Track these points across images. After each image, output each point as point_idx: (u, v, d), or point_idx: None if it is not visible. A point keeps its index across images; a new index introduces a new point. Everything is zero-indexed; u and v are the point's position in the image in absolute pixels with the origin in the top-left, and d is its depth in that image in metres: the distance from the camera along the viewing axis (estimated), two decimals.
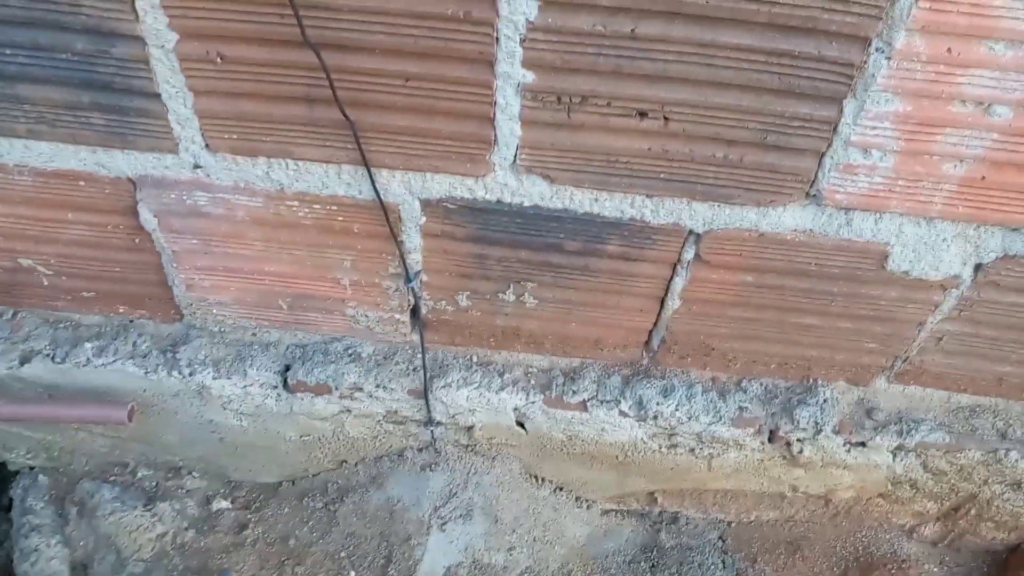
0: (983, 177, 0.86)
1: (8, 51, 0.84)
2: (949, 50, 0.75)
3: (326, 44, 0.79)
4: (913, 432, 1.16)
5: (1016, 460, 1.17)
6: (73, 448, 1.33)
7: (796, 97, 0.80)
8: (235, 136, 0.90)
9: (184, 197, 0.98)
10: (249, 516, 1.34)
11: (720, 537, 1.37)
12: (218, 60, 0.82)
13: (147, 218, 1.01)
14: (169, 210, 1.00)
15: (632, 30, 0.76)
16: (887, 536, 1.34)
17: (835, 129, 0.83)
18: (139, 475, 1.36)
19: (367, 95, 0.84)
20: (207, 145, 0.92)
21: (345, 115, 0.85)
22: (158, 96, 0.87)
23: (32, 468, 1.37)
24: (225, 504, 1.35)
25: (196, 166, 0.94)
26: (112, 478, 1.34)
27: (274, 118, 0.88)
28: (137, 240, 1.06)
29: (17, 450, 1.34)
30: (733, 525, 1.38)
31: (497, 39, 0.78)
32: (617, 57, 0.78)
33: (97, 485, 1.31)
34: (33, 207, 1.02)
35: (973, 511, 1.29)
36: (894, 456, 1.19)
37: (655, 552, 1.36)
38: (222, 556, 1.27)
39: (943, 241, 0.94)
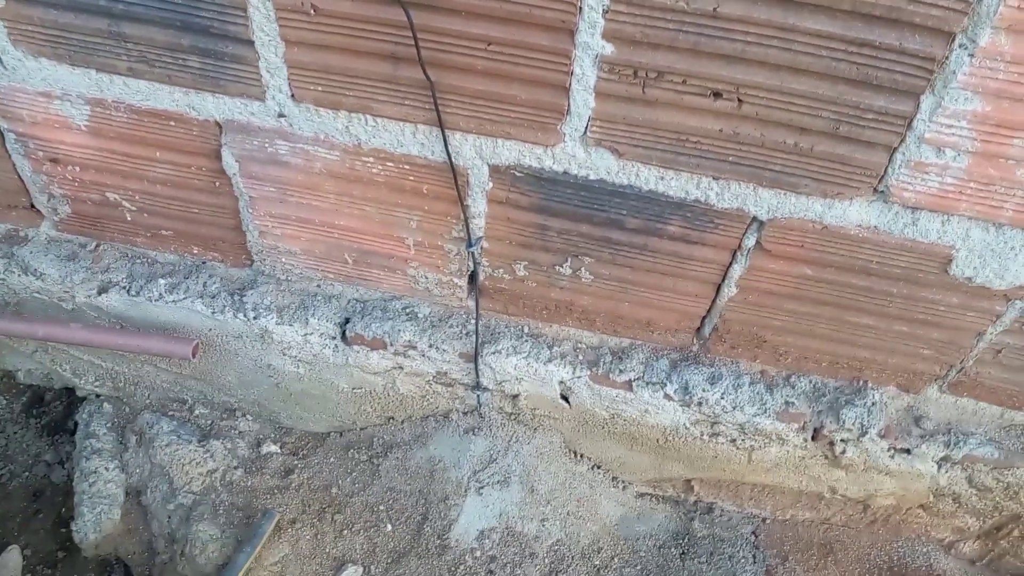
0: None
1: None
2: None
3: (414, 3, 0.82)
4: (961, 444, 1.15)
5: None
6: (138, 380, 1.40)
7: (873, 89, 0.81)
8: (320, 88, 0.94)
9: (266, 145, 1.03)
10: (296, 462, 1.39)
11: (753, 532, 1.38)
12: (311, 11, 0.86)
13: (229, 162, 1.06)
14: (251, 156, 1.05)
15: (715, 8, 0.77)
16: (924, 549, 1.33)
17: (909, 125, 0.83)
18: (196, 412, 1.42)
19: (449, 56, 0.87)
20: (292, 95, 0.96)
21: (427, 75, 0.88)
22: (252, 43, 0.91)
23: (98, 396, 1.44)
24: (274, 448, 1.40)
25: (280, 115, 0.99)
26: (171, 413, 1.40)
27: (358, 73, 0.91)
28: (218, 183, 1.11)
29: (86, 377, 1.41)
30: (767, 521, 1.38)
31: (580, 8, 0.80)
32: (697, 35, 0.79)
33: (157, 417, 1.37)
34: (125, 143, 1.08)
35: (1016, 532, 1.27)
36: (939, 467, 1.18)
37: (686, 540, 1.37)
38: (267, 497, 1.32)
39: (1011, 249, 0.93)
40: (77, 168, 1.13)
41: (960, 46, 0.76)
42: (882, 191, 0.90)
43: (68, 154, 1.11)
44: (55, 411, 1.52)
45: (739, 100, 0.85)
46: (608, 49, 0.83)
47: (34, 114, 1.06)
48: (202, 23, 0.90)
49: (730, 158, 0.91)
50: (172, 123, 1.03)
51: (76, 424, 1.42)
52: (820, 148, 0.87)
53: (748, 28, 0.78)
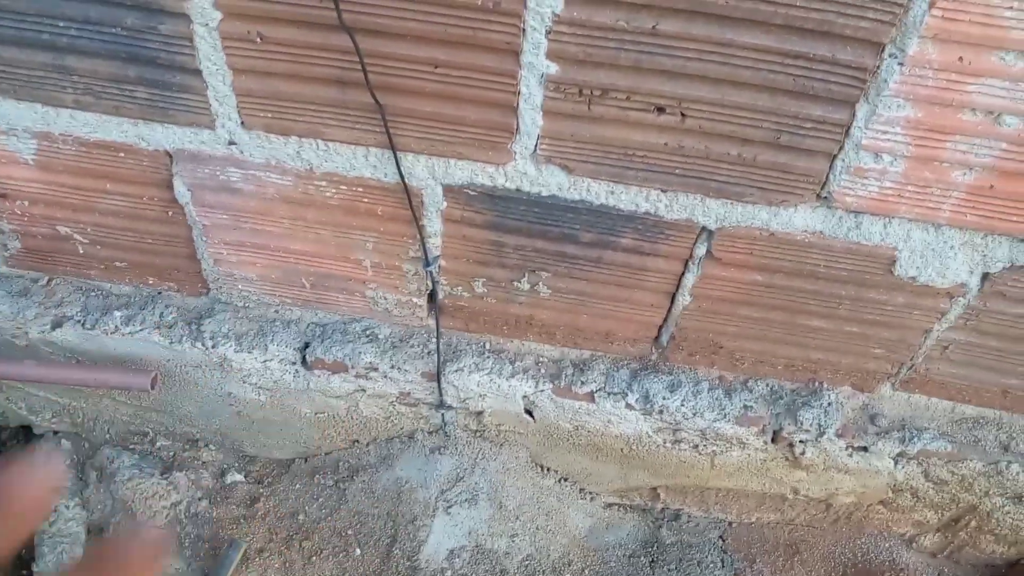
0: (991, 186, 0.89)
1: (61, 23, 0.88)
2: (960, 59, 0.78)
3: (361, 28, 0.83)
4: (916, 439, 1.18)
5: (1017, 473, 1.18)
6: (96, 415, 1.38)
7: (810, 99, 0.83)
8: (269, 115, 0.94)
9: (217, 172, 1.02)
10: (261, 490, 1.37)
11: (720, 536, 1.39)
12: (258, 40, 0.86)
13: (181, 191, 1.05)
14: (202, 184, 1.04)
15: (653, 26, 0.79)
16: (886, 544, 1.36)
17: (847, 132, 0.86)
18: (158, 444, 1.40)
19: (397, 80, 0.88)
20: (242, 123, 0.96)
21: (375, 99, 0.89)
22: (199, 73, 0.91)
23: (55, 433, 1.41)
24: (239, 477, 1.39)
25: (231, 142, 0.99)
26: (132, 446, 1.39)
27: (307, 99, 0.92)
28: (170, 213, 1.10)
29: (43, 414, 1.39)
30: (734, 525, 1.40)
31: (524, 30, 0.81)
32: (638, 52, 0.81)
33: (118, 452, 1.36)
34: (74, 176, 1.07)
35: (973, 523, 1.30)
36: (895, 463, 1.20)
37: (655, 548, 1.38)
38: (233, 527, 1.31)
39: (950, 248, 0.97)
40: (26, 203, 1.12)
41: (890, 55, 0.78)
42: (825, 197, 0.93)
43: (16, 189, 1.10)
44: (11, 451, 1.49)
45: (682, 114, 0.87)
46: (553, 68, 0.84)
47: None
48: (148, 54, 0.90)
49: (677, 171, 0.93)
50: (122, 154, 1.03)
51: None
52: (763, 158, 0.90)
53: (687, 44, 0.80)
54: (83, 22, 0.88)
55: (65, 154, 1.04)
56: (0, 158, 1.06)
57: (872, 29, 0.76)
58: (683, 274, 1.06)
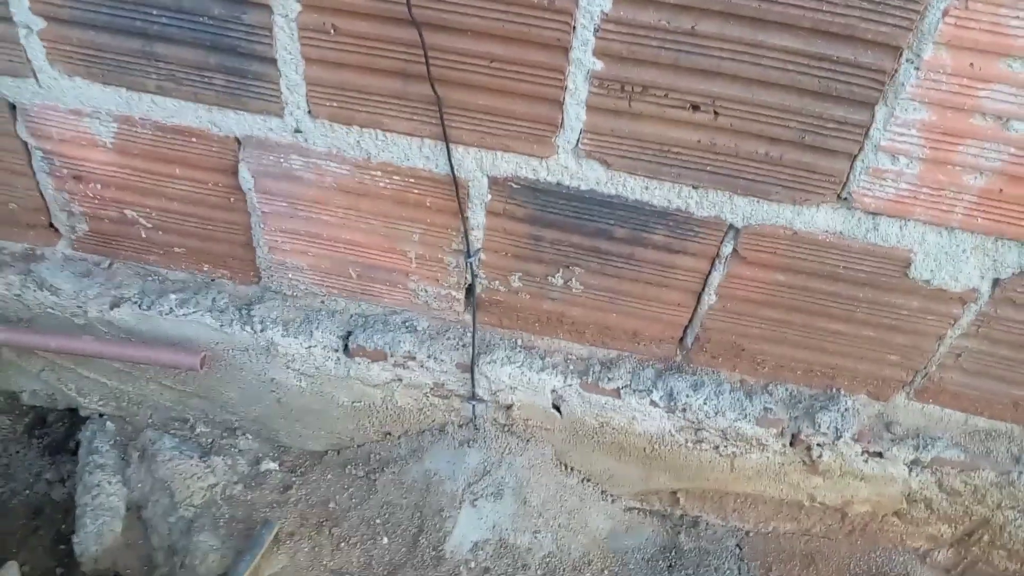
0: (1001, 190, 0.95)
1: (154, 11, 0.98)
2: (972, 64, 0.85)
3: (426, 23, 0.92)
4: (929, 447, 1.22)
5: None
6: (141, 400, 1.44)
7: (833, 100, 0.91)
8: (335, 104, 1.03)
9: (281, 160, 1.11)
10: (294, 479, 1.42)
11: (738, 544, 1.42)
12: (331, 31, 0.95)
13: (245, 177, 1.14)
14: (266, 172, 1.13)
15: (692, 27, 0.87)
16: (901, 559, 1.38)
17: (867, 133, 0.93)
18: (197, 431, 1.46)
19: (455, 73, 0.96)
20: (309, 111, 1.05)
21: (435, 90, 0.97)
22: (274, 61, 1.00)
23: (101, 415, 1.48)
24: (273, 465, 1.44)
25: (297, 130, 1.07)
26: (173, 431, 1.44)
27: (371, 89, 1.00)
28: (232, 199, 1.18)
29: (91, 396, 1.45)
30: (751, 534, 1.43)
31: (574, 27, 0.90)
32: (677, 51, 0.90)
33: (159, 435, 1.41)
34: (147, 160, 1.15)
35: (986, 537, 1.33)
36: (910, 470, 1.24)
37: (674, 553, 1.42)
38: (266, 510, 1.36)
39: (963, 252, 1.03)
40: (99, 185, 1.21)
41: (907, 60, 0.86)
42: (845, 198, 1.00)
43: (92, 171, 1.19)
44: (57, 432, 1.55)
45: (715, 112, 0.95)
46: (598, 65, 0.93)
47: (63, 132, 1.14)
48: (229, 42, 0.99)
49: (708, 167, 1.00)
50: (194, 139, 1.12)
51: (78, 444, 1.46)
52: (788, 156, 0.97)
53: (722, 44, 0.88)
54: (175, 11, 0.97)
55: (142, 138, 1.13)
56: (80, 140, 1.15)
57: (891, 34, 0.84)
58: (710, 272, 1.13)
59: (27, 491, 1.47)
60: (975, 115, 0.89)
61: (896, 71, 0.87)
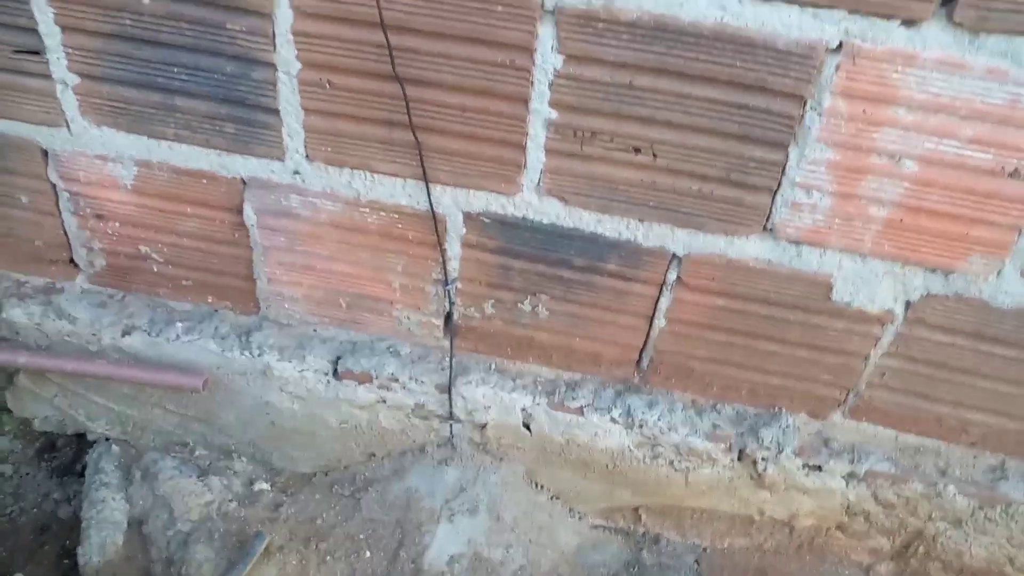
0: (901, 220, 1.11)
1: (175, 69, 1.15)
2: (864, 111, 1.02)
3: (408, 79, 1.08)
4: (863, 460, 1.35)
5: (954, 495, 1.34)
6: (145, 424, 1.56)
7: (752, 142, 1.07)
8: (329, 149, 1.19)
9: (281, 199, 1.26)
10: (285, 498, 1.53)
11: (696, 560, 1.53)
12: (327, 86, 1.12)
13: (249, 214, 1.29)
14: (267, 209, 1.28)
15: (630, 81, 1.04)
16: (846, 573, 1.49)
17: (783, 171, 1.09)
18: (196, 454, 1.57)
19: (433, 122, 1.13)
20: (307, 155, 1.21)
21: (416, 137, 1.13)
22: (278, 112, 1.16)
23: (107, 439, 1.59)
24: (266, 486, 1.55)
25: (296, 172, 1.23)
26: (174, 454, 1.56)
27: (361, 135, 1.16)
28: (237, 235, 1.33)
29: (99, 421, 1.57)
30: (707, 551, 1.54)
31: (532, 83, 1.06)
32: (619, 102, 1.06)
33: (161, 456, 1.53)
34: (162, 199, 1.31)
35: (922, 549, 1.44)
36: (847, 483, 1.36)
37: (637, 569, 1.52)
38: (258, 525, 1.46)
39: (876, 276, 1.18)
40: (117, 223, 1.36)
41: (811, 108, 1.03)
42: (770, 228, 1.15)
43: (112, 210, 1.34)
44: (65, 455, 1.66)
45: (654, 154, 1.11)
46: (554, 115, 1.09)
47: (89, 175, 1.30)
48: (239, 96, 1.16)
49: (651, 203, 1.16)
50: (204, 181, 1.27)
51: (84, 467, 1.57)
52: (718, 192, 1.13)
53: (656, 96, 1.05)
54: (193, 68, 1.14)
55: (158, 180, 1.29)
56: (104, 182, 1.31)
57: (795, 85, 1.01)
58: (658, 298, 1.27)
59: (35, 510, 1.57)
60: (872, 154, 1.05)
61: (803, 117, 1.04)
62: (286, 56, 1.10)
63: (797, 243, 1.17)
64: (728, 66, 1.00)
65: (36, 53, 1.17)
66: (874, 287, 1.19)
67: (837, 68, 0.99)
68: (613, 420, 1.36)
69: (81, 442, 1.64)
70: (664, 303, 1.27)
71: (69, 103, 1.22)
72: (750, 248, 1.18)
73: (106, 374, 1.40)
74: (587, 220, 1.20)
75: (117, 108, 1.21)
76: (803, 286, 1.21)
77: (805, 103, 1.02)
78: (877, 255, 1.15)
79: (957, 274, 1.16)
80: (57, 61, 1.17)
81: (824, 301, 1.22)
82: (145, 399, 1.52)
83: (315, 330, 1.45)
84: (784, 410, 1.38)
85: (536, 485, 1.53)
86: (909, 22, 0.94)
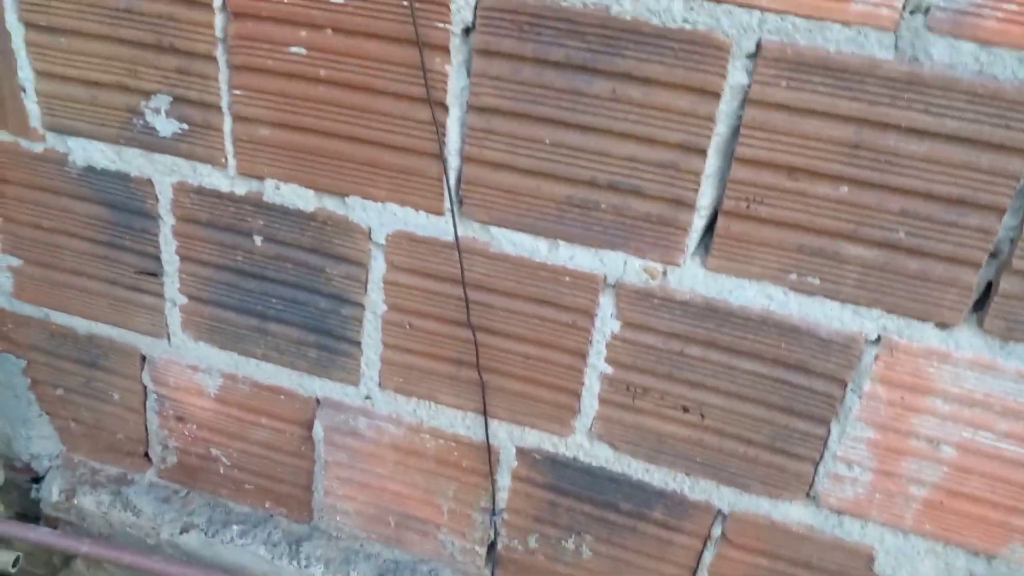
0: (941, 502, 1.14)
1: (274, 300, 1.29)
2: (902, 398, 1.08)
3: (479, 327, 1.20)
4: None
5: None
6: None
7: (796, 415, 1.14)
8: (401, 379, 1.29)
9: (350, 419, 1.36)
10: None
11: None
12: (407, 327, 1.24)
13: (318, 431, 1.38)
14: (335, 427, 1.37)
15: (682, 350, 1.13)
16: None
17: (826, 444, 1.14)
18: None
19: (498, 364, 1.23)
20: (379, 383, 1.31)
21: (480, 376, 1.23)
22: (359, 344, 1.28)
23: None
24: None
25: (367, 397, 1.33)
26: None
27: (431, 371, 1.27)
28: (303, 448, 1.42)
29: None
30: None
31: (591, 341, 1.17)
32: (671, 365, 1.15)
33: None
34: (240, 409, 1.41)
35: None
36: None
37: None
38: None
39: (918, 553, 1.19)
40: (195, 426, 1.46)
41: (851, 390, 1.10)
42: (813, 496, 1.19)
43: (192, 414, 1.45)
44: None
45: (702, 415, 1.18)
46: (609, 370, 1.18)
47: (178, 381, 1.42)
48: (327, 327, 1.28)
49: (697, 459, 1.21)
50: (282, 396, 1.38)
51: None
52: (763, 457, 1.18)
53: (706, 364, 1.13)
54: (290, 301, 1.28)
55: (240, 391, 1.40)
56: (190, 389, 1.42)
57: (836, 370, 1.08)
58: (702, 551, 1.29)
59: None
60: (911, 437, 1.10)
61: (843, 397, 1.10)
62: (375, 299, 1.23)
63: (839, 513, 1.19)
64: (773, 346, 1.09)
65: (154, 275, 1.33)
66: (916, 564, 1.20)
67: (876, 358, 1.06)
68: None
69: None
70: (708, 557, 1.29)
71: (174, 319, 1.36)
72: (793, 513, 1.21)
73: (160, 571, 1.44)
74: (635, 467, 1.26)
75: (215, 327, 1.34)
76: (844, 555, 1.22)
77: (846, 385, 1.10)
78: (919, 533, 1.17)
79: (999, 559, 1.16)
80: (171, 283, 1.33)
81: (866, 572, 1.22)
82: None
83: (361, 545, 1.49)
84: None
85: None
86: (942, 325, 1.02)
